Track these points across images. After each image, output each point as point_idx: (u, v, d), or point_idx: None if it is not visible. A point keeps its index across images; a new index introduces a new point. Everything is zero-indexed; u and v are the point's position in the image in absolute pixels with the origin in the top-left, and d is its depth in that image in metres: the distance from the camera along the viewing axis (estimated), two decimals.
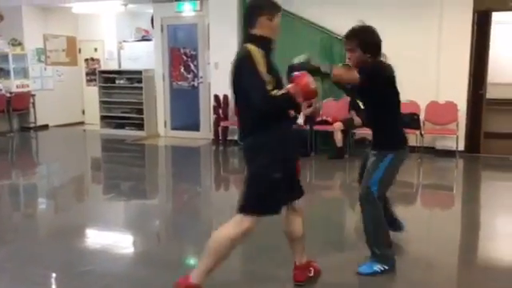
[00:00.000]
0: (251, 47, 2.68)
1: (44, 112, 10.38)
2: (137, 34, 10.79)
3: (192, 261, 3.58)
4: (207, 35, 8.51)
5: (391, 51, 7.30)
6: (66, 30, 11.00)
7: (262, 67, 2.61)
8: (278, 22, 2.83)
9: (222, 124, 8.47)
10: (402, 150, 3.30)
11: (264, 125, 2.69)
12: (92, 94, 10.68)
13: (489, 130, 7.90)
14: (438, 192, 6.08)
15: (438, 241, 4.16)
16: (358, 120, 6.97)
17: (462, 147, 7.36)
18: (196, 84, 9.15)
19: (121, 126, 9.92)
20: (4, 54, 9.84)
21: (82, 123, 11.36)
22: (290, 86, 2.68)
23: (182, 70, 9.30)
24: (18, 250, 3.86)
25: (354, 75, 3.05)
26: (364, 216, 3.26)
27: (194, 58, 9.12)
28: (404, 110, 7.28)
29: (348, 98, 6.90)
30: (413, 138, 7.19)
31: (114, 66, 10.80)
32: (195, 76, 9.17)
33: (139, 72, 9.56)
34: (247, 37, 2.81)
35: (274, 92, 2.63)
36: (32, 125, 10.30)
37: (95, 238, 4.31)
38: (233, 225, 2.70)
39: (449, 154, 7.33)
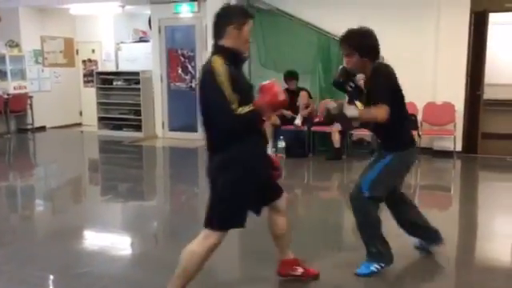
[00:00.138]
0: (216, 62, 2.56)
1: (41, 113, 10.35)
2: (134, 36, 10.77)
3: None
4: (205, 36, 8.50)
5: (389, 52, 7.31)
6: (64, 32, 10.98)
7: (225, 85, 2.49)
8: (248, 31, 2.67)
9: None
10: (404, 151, 3.20)
11: (232, 140, 2.60)
12: (89, 95, 10.66)
13: (486, 130, 7.91)
14: (435, 193, 6.09)
15: None
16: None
17: (459, 148, 7.37)
18: (194, 85, 9.14)
19: (118, 128, 9.91)
20: (1, 55, 9.81)
21: (79, 124, 11.34)
22: (256, 101, 2.59)
23: (180, 71, 9.29)
24: (15, 251, 3.85)
25: (383, 112, 2.92)
26: (354, 214, 3.25)
27: (192, 59, 9.12)
28: None
29: (346, 99, 6.91)
30: None
31: (111, 68, 10.78)
32: (193, 77, 9.17)
33: (137, 73, 9.55)
34: (214, 48, 2.69)
35: (240, 110, 2.52)
36: (29, 126, 10.27)
37: (93, 239, 4.31)
38: (201, 240, 2.64)
39: (446, 154, 7.34)
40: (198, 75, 9.04)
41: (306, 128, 7.49)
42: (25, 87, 10.10)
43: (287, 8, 7.99)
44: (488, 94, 7.85)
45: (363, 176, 3.22)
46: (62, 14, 10.54)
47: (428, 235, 3.56)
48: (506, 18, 8.26)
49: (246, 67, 8.35)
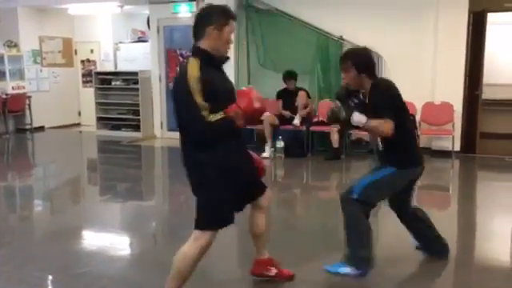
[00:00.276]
0: (191, 66, 2.53)
1: (40, 113, 10.35)
2: (133, 36, 10.76)
3: None
4: None
5: (387, 52, 7.43)
6: (62, 32, 10.97)
7: (196, 92, 2.46)
8: (229, 32, 2.63)
9: None
10: (408, 169, 3.19)
11: (205, 145, 2.59)
12: (88, 95, 10.66)
13: (484, 130, 7.92)
14: (434, 192, 6.09)
15: None
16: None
17: (457, 148, 7.38)
18: None
19: (117, 128, 9.90)
20: None
21: (78, 125, 11.33)
22: (230, 107, 2.53)
23: (179, 71, 9.28)
24: (14, 252, 3.84)
25: (388, 127, 2.96)
26: (343, 215, 3.20)
27: None
28: None
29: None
30: None
31: (110, 68, 10.78)
32: None
33: (135, 73, 9.55)
34: (192, 49, 2.66)
35: (211, 117, 2.49)
36: (28, 126, 10.26)
37: (91, 239, 4.31)
38: (192, 242, 2.64)
39: (445, 154, 7.35)
40: None
41: (304, 128, 7.50)
42: (23, 87, 10.09)
43: (286, 8, 7.99)
44: (486, 93, 7.86)
45: (358, 180, 3.21)
46: (61, 14, 10.54)
47: (437, 248, 3.57)
48: (505, 18, 8.27)
49: (244, 67, 8.42)
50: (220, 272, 3.39)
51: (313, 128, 7.53)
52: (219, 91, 2.57)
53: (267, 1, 8.08)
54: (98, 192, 6.33)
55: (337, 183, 6.78)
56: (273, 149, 7.45)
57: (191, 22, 2.77)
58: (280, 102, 7.70)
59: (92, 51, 11.28)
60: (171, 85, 9.65)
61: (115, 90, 10.01)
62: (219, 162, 2.60)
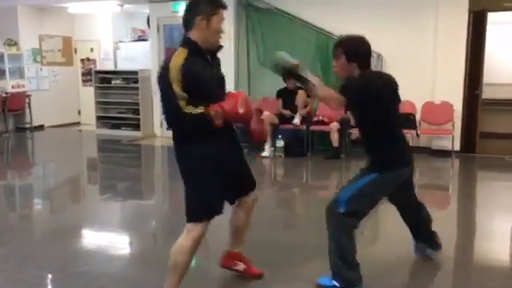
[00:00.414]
0: (177, 56, 2.55)
1: (40, 112, 10.34)
2: (133, 34, 10.76)
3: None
4: None
5: (387, 51, 7.42)
6: (62, 30, 10.96)
7: (175, 82, 2.46)
8: (218, 22, 2.59)
9: None
10: (393, 171, 2.93)
11: (187, 135, 2.62)
12: (88, 94, 10.65)
13: (484, 130, 7.92)
14: (433, 192, 6.09)
15: None
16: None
17: (457, 147, 7.38)
18: None
19: (117, 127, 9.90)
20: None
21: (77, 123, 11.33)
22: (212, 105, 2.51)
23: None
24: (13, 250, 3.84)
25: (337, 100, 2.83)
26: (327, 227, 2.99)
27: None
28: (400, 110, 7.35)
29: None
30: (408, 138, 7.20)
31: (110, 67, 10.78)
32: None
33: (135, 72, 9.54)
34: (182, 40, 2.66)
35: (190, 109, 2.48)
36: (28, 125, 10.26)
37: (91, 238, 4.30)
38: (185, 234, 2.65)
39: (444, 153, 7.35)
40: None
41: (304, 127, 7.49)
42: (23, 86, 10.09)
43: (286, 7, 7.99)
44: (486, 93, 7.87)
45: (340, 192, 2.99)
46: (61, 13, 10.53)
47: (429, 240, 3.49)
48: (505, 18, 8.27)
49: (244, 66, 8.41)
50: (220, 271, 3.38)
51: (313, 127, 7.53)
52: (202, 83, 2.54)
53: (267, 0, 8.08)
54: (98, 191, 6.32)
55: (337, 182, 6.76)
56: (273, 148, 7.45)
57: None
58: (280, 101, 7.70)
59: (92, 50, 11.28)
60: None
61: (115, 89, 10.01)
62: (205, 152, 2.61)
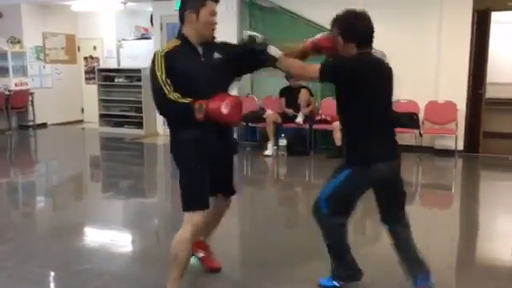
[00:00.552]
0: (168, 43, 2.70)
1: (43, 110, 10.36)
2: (136, 32, 10.77)
3: (192, 259, 3.56)
4: None
5: (391, 50, 7.37)
6: (65, 28, 10.98)
7: (161, 69, 2.55)
8: (207, 14, 2.62)
9: None
10: (365, 167, 2.65)
11: (176, 124, 2.71)
12: (91, 92, 10.66)
13: (488, 129, 7.90)
14: (436, 191, 6.08)
15: (436, 240, 4.16)
16: None
17: (461, 147, 7.36)
18: None
19: (120, 125, 9.91)
20: (3, 51, 9.82)
21: (80, 121, 11.35)
22: (201, 100, 2.54)
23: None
24: (16, 248, 3.85)
25: (312, 70, 2.64)
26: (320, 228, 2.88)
27: None
28: (403, 109, 7.35)
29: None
30: (412, 137, 7.20)
31: (113, 65, 10.78)
32: None
33: (138, 70, 9.54)
34: (177, 33, 2.73)
35: (174, 96, 2.54)
36: (31, 123, 10.28)
37: (93, 236, 4.31)
38: (183, 225, 2.68)
39: (448, 153, 7.33)
40: None
41: (307, 126, 7.48)
42: (26, 84, 10.11)
43: (290, 6, 7.98)
44: (490, 92, 7.84)
45: (321, 191, 2.84)
46: (64, 11, 10.54)
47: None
48: (509, 17, 8.24)
49: None
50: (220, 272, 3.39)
51: (315, 126, 7.52)
52: (182, 73, 2.58)
53: None
54: (101, 189, 6.33)
55: None
56: (275, 147, 7.44)
57: None
58: (283, 100, 7.69)
59: (95, 48, 11.29)
60: None
61: (118, 87, 10.02)
62: (193, 137, 2.64)
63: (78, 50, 11.38)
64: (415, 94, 7.23)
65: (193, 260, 3.08)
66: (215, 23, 2.69)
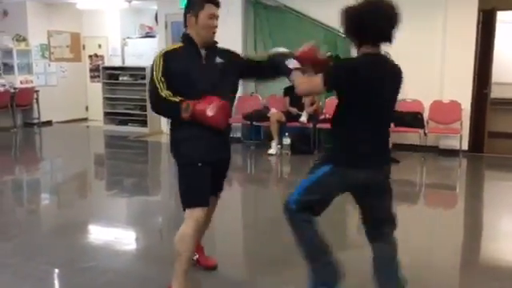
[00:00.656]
0: (171, 45, 2.82)
1: (47, 108, 10.40)
2: (141, 31, 10.79)
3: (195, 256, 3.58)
4: None
5: (395, 50, 7.34)
6: (70, 26, 11.01)
7: (158, 67, 2.64)
8: (205, 17, 2.67)
9: None
10: (344, 169, 2.47)
11: (173, 123, 2.79)
12: (96, 90, 10.70)
13: (493, 129, 7.87)
14: (441, 191, 6.06)
15: (440, 240, 4.15)
16: None
17: (465, 146, 7.34)
18: None
19: (124, 123, 9.94)
20: (8, 49, 9.87)
21: (85, 119, 11.38)
22: (190, 101, 2.60)
23: None
24: (20, 245, 3.86)
25: (315, 84, 2.48)
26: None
27: None
28: (408, 108, 7.33)
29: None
30: (416, 136, 7.18)
31: (117, 63, 10.81)
32: None
33: (143, 69, 9.56)
34: (182, 35, 2.82)
35: (167, 94, 2.62)
36: (35, 121, 10.32)
37: (98, 234, 4.32)
38: (185, 222, 2.72)
39: (452, 153, 7.31)
40: None
41: (311, 125, 7.48)
42: (31, 81, 10.15)
43: (295, 5, 7.98)
44: (495, 92, 7.81)
45: (296, 187, 2.66)
46: (69, 9, 10.57)
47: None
48: None
49: None
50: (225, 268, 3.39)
51: (320, 125, 7.51)
52: (182, 74, 2.66)
53: None
54: (105, 187, 6.35)
55: None
56: (279, 146, 7.44)
57: None
58: (287, 99, 7.69)
59: (100, 46, 11.31)
60: None
61: (122, 86, 10.04)
62: (190, 135, 2.70)
63: (83, 48, 11.41)
64: (420, 94, 7.21)
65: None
66: (215, 26, 2.74)
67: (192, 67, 2.70)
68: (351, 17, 2.42)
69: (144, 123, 9.61)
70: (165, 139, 9.22)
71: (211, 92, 2.65)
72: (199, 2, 2.69)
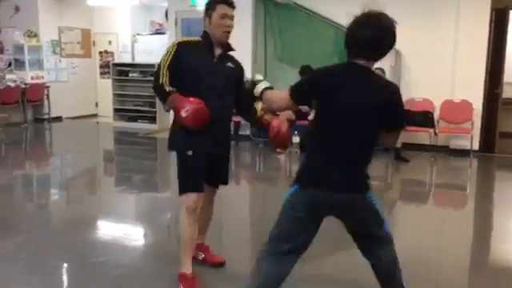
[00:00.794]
0: (189, 37, 2.95)
1: (58, 104, 10.46)
2: (151, 28, 10.81)
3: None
4: None
5: (407, 48, 7.33)
6: (81, 23, 11.06)
7: (166, 58, 2.81)
8: (216, 18, 2.80)
9: (234, 119, 8.43)
10: (305, 188, 2.22)
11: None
12: (105, 86, 10.74)
13: (504, 129, 7.81)
14: (451, 191, 6.03)
15: (449, 240, 4.12)
16: None
17: (476, 147, 7.28)
18: None
19: (133, 119, 9.97)
20: (20, 45, 9.94)
21: (95, 115, 11.44)
22: (178, 95, 2.76)
23: None
24: (31, 239, 3.89)
25: (284, 96, 2.35)
26: None
27: None
28: (418, 107, 7.28)
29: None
30: (426, 136, 7.14)
31: (127, 59, 10.85)
32: None
33: (152, 65, 9.55)
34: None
35: (164, 81, 2.79)
36: (46, 116, 10.39)
37: (107, 229, 4.35)
38: (179, 208, 2.91)
39: (463, 153, 7.26)
40: None
41: None
42: (42, 77, 10.22)
43: (305, 2, 7.95)
44: (507, 92, 7.75)
45: None
46: (80, 5, 10.62)
47: None
48: None
49: (262, 61, 8.38)
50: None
51: None
52: (189, 67, 2.78)
53: None
54: (114, 183, 6.37)
55: None
56: None
57: None
58: None
59: (110, 43, 11.36)
60: None
61: (132, 82, 10.08)
62: (188, 130, 2.80)
63: (94, 44, 11.46)
64: (431, 93, 7.16)
65: None
66: (227, 26, 2.83)
67: (201, 63, 2.82)
68: (348, 26, 2.27)
69: (153, 120, 9.64)
70: None
71: (213, 91, 2.78)
72: (212, 2, 2.83)
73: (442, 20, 7.33)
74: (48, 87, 10.26)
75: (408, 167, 6.66)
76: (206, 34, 2.87)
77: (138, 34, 10.87)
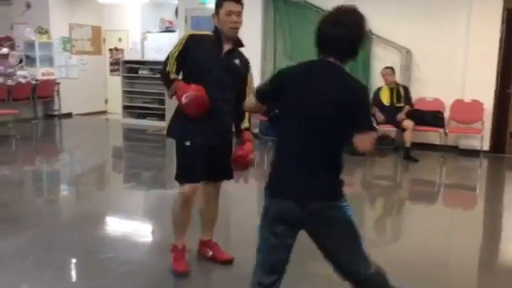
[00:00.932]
0: (202, 30, 3.07)
1: (68, 100, 10.52)
2: (161, 25, 10.82)
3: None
4: None
5: (418, 48, 7.29)
6: (92, 20, 11.11)
7: (176, 48, 2.97)
8: (223, 15, 2.88)
9: None
10: (271, 196, 2.08)
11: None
12: (115, 83, 10.79)
13: None
14: (460, 192, 5.99)
15: (458, 240, 4.10)
16: (380, 117, 6.91)
17: (486, 147, 7.23)
18: None
19: (143, 116, 10.01)
20: (31, 41, 10.00)
21: (104, 112, 11.49)
22: (182, 83, 2.89)
23: None
24: (40, 235, 3.92)
25: (252, 102, 2.25)
26: None
27: None
28: (428, 107, 7.24)
29: (371, 94, 6.84)
30: (436, 136, 7.09)
31: (137, 57, 10.87)
32: None
33: (162, 63, 9.59)
34: None
35: (170, 69, 2.94)
36: (56, 112, 10.45)
37: (116, 225, 4.37)
38: (176, 195, 3.05)
39: (473, 153, 7.21)
40: None
41: None
42: (52, 74, 10.27)
43: (314, 0, 7.92)
44: None
45: None
46: (91, 3, 10.67)
47: None
48: None
49: (271, 59, 8.37)
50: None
51: None
52: (197, 59, 2.89)
53: None
54: (123, 179, 6.41)
55: (361, 179, 6.71)
56: None
57: None
58: None
59: (120, 40, 11.41)
60: None
61: (142, 79, 10.11)
62: (183, 113, 2.92)
63: (104, 41, 11.51)
64: (441, 93, 7.11)
65: None
66: (233, 22, 2.89)
67: (209, 56, 2.92)
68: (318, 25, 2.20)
69: (162, 117, 9.66)
70: None
71: (216, 84, 2.87)
72: (219, 1, 2.92)
73: (454, 19, 7.27)
74: (58, 84, 10.32)
75: (417, 167, 6.63)
76: (216, 30, 2.97)
77: (147, 32, 10.88)
